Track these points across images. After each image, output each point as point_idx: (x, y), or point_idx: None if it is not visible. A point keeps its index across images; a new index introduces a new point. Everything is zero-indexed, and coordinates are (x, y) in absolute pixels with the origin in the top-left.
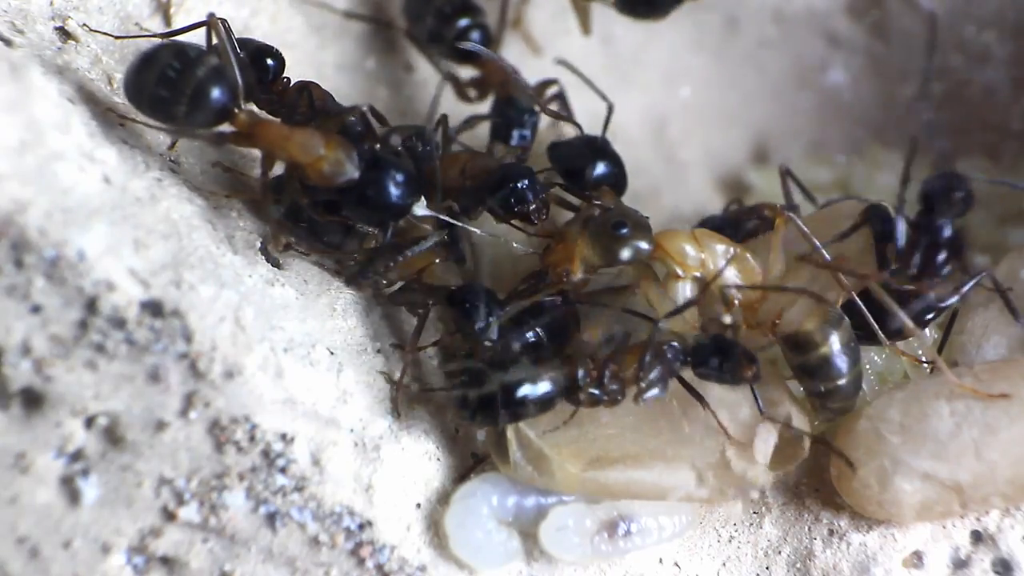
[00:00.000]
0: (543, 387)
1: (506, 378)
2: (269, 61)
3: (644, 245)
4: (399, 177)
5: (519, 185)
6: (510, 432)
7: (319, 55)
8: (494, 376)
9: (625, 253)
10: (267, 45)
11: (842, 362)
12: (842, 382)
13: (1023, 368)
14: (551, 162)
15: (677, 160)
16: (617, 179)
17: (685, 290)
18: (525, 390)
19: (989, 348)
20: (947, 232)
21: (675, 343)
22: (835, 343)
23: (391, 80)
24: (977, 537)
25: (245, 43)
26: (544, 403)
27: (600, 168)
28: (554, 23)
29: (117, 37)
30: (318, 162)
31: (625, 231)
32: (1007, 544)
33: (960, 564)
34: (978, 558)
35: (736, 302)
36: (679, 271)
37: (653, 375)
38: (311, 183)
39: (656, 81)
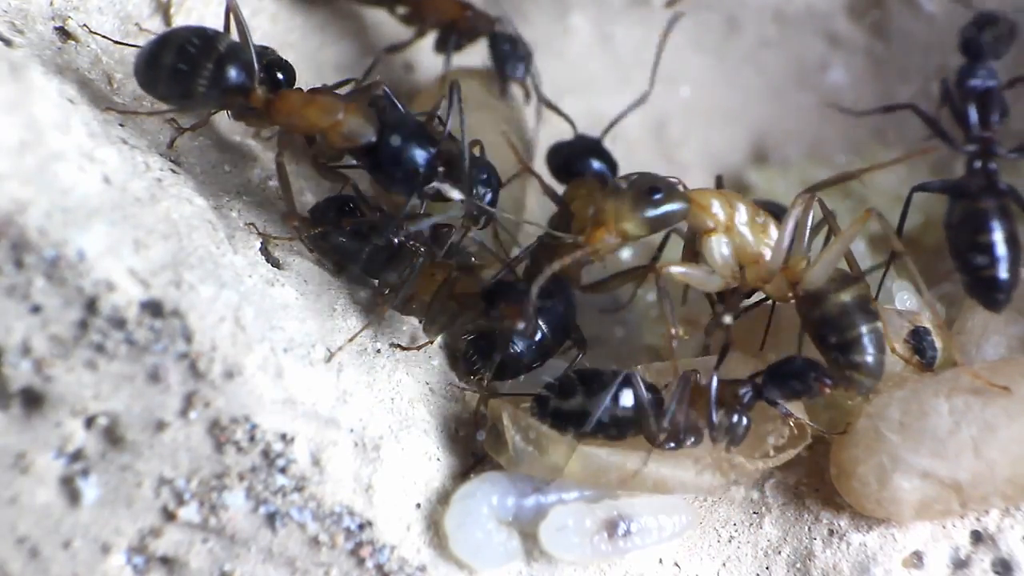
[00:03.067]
0: (625, 407)
1: (592, 403)
2: (280, 74)
3: (681, 205)
4: (418, 137)
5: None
6: (506, 419)
7: (319, 55)
8: (580, 394)
9: (665, 215)
10: (280, 58)
11: (859, 313)
12: (861, 332)
13: (1022, 367)
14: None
15: (677, 160)
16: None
17: (721, 245)
18: (608, 414)
19: (989, 348)
20: (991, 82)
21: (747, 385)
22: (850, 295)
23: (391, 80)
24: (977, 537)
25: (260, 54)
26: (622, 428)
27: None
28: (554, 23)
29: (116, 42)
30: (338, 125)
31: (660, 195)
32: (1007, 544)
33: (960, 564)
34: (978, 558)
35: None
36: (711, 224)
37: (734, 420)
38: (332, 147)
39: (656, 81)
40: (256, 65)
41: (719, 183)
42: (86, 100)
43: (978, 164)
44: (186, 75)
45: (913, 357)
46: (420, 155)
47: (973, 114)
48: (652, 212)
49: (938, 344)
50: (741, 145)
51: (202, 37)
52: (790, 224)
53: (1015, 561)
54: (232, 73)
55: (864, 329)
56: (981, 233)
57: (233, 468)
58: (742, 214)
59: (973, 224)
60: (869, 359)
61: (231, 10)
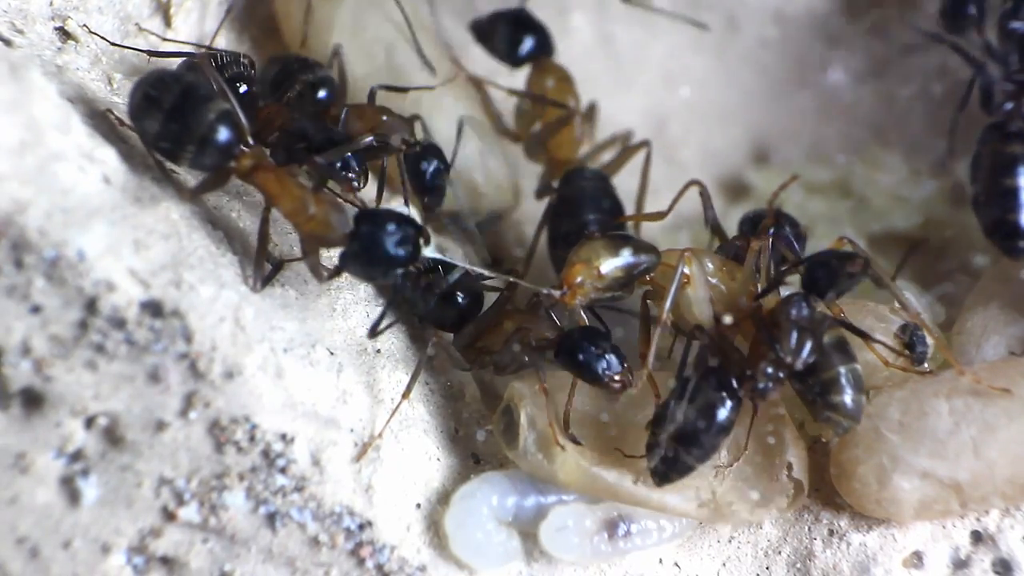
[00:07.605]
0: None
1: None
2: (245, 86)
3: (651, 257)
4: (392, 232)
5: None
6: (524, 416)
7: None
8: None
9: (636, 263)
10: (242, 72)
11: (836, 353)
12: (839, 372)
13: (1022, 367)
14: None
15: (677, 160)
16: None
17: (701, 292)
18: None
19: (988, 348)
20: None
21: (802, 298)
22: (827, 335)
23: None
24: (977, 537)
25: (228, 64)
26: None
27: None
28: (554, 23)
29: (113, 44)
30: (308, 222)
31: (634, 242)
32: (1007, 544)
33: (960, 564)
34: (978, 558)
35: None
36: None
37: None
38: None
39: (656, 81)
40: (245, 128)
41: (703, 191)
42: (86, 100)
43: (1010, 105)
44: (170, 151)
45: (903, 352)
46: (396, 250)
47: (1013, 57)
48: (625, 257)
49: (929, 341)
50: (741, 145)
51: (187, 107)
52: (749, 266)
53: (1015, 561)
54: (215, 149)
55: (842, 370)
56: (1007, 177)
57: (233, 468)
58: (706, 267)
59: (1001, 167)
60: (847, 399)
61: (204, 71)
